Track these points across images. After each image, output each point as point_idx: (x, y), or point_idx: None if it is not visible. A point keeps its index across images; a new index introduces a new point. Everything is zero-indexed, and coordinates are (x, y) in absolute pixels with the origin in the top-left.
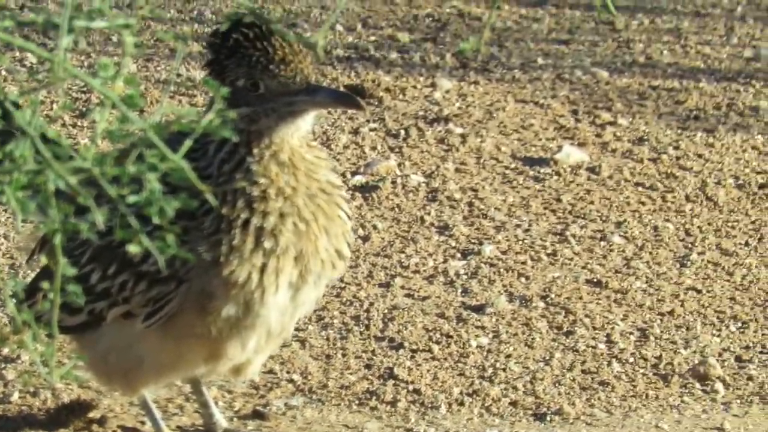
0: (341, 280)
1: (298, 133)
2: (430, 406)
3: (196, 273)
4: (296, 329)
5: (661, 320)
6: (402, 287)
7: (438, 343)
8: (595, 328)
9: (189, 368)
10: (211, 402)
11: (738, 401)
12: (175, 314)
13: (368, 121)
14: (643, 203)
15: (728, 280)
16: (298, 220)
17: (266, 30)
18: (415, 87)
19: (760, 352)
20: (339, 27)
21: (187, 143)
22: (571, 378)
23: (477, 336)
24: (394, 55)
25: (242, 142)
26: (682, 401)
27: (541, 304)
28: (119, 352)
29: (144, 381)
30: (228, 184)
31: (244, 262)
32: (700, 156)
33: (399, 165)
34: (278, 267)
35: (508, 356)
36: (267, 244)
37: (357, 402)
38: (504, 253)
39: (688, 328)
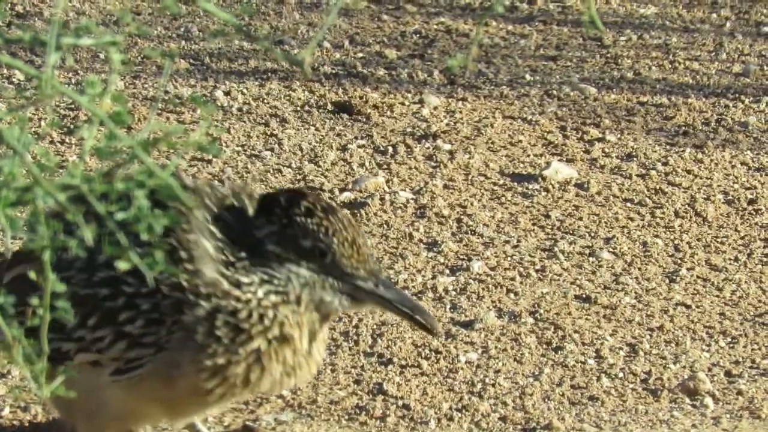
0: None
1: (336, 313)
2: (419, 421)
3: (176, 345)
4: None
5: (651, 335)
6: None
7: (427, 358)
8: (584, 344)
9: (150, 422)
10: (196, 419)
11: (728, 416)
12: (144, 376)
13: (356, 137)
14: (632, 219)
15: (718, 296)
16: (285, 372)
17: (346, 214)
18: (402, 104)
19: (750, 367)
20: (326, 44)
21: (174, 161)
22: (561, 393)
23: (466, 351)
24: (381, 72)
25: (292, 292)
26: (672, 416)
27: (530, 320)
28: (83, 393)
29: (106, 425)
30: (262, 302)
31: (221, 372)
32: (689, 172)
33: (387, 181)
34: (234, 393)
35: (498, 371)
36: (252, 376)
37: (346, 417)
38: (493, 269)
39: (677, 344)
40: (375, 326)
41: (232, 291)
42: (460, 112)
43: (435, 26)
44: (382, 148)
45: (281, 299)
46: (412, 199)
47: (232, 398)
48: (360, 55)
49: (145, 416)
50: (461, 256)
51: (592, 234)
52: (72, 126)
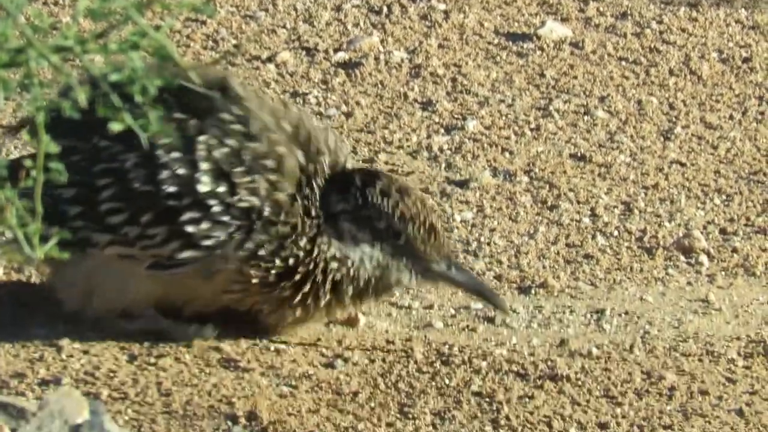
0: None
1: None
2: None
3: (226, 257)
4: None
5: (645, 193)
6: (386, 163)
7: None
8: (579, 202)
9: (172, 304)
10: None
11: (722, 273)
12: (188, 273)
13: None
14: (626, 77)
15: (712, 154)
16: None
17: (421, 195)
18: None
19: (745, 225)
20: None
21: (169, 22)
22: (556, 251)
23: (461, 210)
24: None
25: (362, 276)
26: (667, 274)
27: (525, 179)
28: (106, 280)
29: (123, 306)
30: (329, 265)
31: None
32: (683, 30)
33: (382, 41)
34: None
35: (493, 230)
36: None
37: None
38: (488, 128)
39: (672, 202)
40: None
41: (306, 241)
42: None
43: None
44: (376, 8)
45: (349, 279)
46: (407, 58)
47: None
48: None
49: (168, 301)
50: (456, 116)
51: (587, 93)
52: None
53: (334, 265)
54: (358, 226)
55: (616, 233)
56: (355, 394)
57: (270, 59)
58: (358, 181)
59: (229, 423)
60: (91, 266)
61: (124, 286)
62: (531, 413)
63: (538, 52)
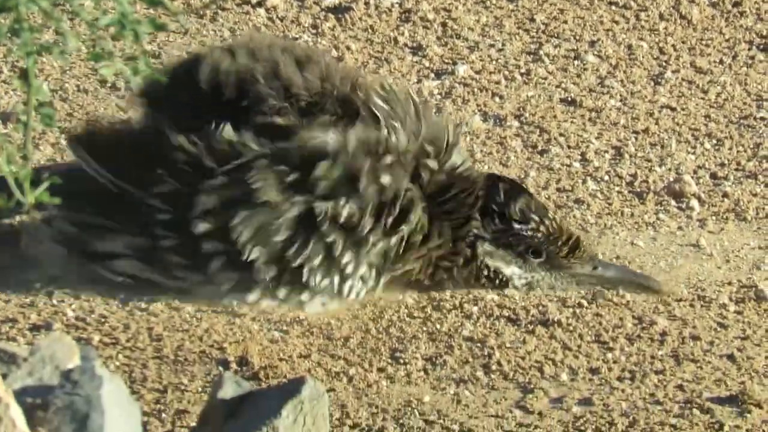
0: None
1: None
2: None
3: None
4: None
5: (636, 138)
6: None
7: None
8: (569, 147)
9: None
10: None
11: (713, 218)
12: None
13: None
14: (616, 22)
15: (703, 98)
16: None
17: (554, 210)
18: None
19: (736, 169)
20: None
21: None
22: (547, 196)
23: None
24: None
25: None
26: (658, 218)
27: (516, 123)
28: None
29: None
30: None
31: None
32: None
33: None
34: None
35: None
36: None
37: None
38: (478, 72)
39: (662, 146)
40: None
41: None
42: None
43: None
44: None
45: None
46: (397, 3)
47: None
48: None
49: None
50: (446, 60)
51: (577, 37)
52: None
53: (485, 272)
54: (504, 249)
55: (606, 178)
56: (347, 339)
57: (260, 4)
58: (501, 197)
59: (221, 368)
60: None
61: None
62: (522, 358)
63: None
